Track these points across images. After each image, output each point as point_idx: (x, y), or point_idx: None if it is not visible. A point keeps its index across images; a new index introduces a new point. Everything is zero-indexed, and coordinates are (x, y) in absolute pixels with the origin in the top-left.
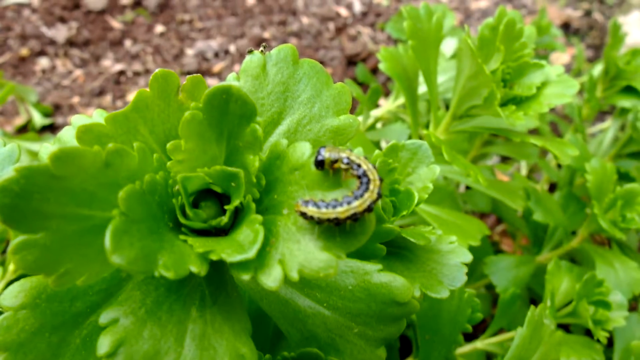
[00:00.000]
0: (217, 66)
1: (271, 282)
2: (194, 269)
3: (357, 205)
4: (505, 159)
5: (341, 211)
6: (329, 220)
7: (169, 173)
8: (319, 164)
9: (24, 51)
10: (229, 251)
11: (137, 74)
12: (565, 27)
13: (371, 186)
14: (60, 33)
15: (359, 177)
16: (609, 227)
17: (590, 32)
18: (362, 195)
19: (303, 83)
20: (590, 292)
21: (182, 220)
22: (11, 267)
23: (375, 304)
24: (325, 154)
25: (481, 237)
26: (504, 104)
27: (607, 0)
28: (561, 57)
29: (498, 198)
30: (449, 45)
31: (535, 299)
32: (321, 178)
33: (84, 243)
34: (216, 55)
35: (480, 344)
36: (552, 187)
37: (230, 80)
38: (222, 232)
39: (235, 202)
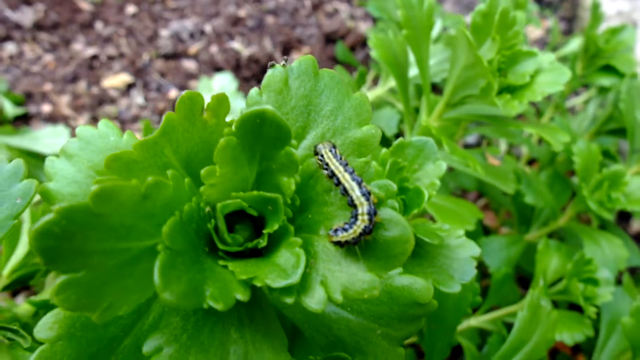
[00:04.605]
0: (193, 47)
1: (315, 304)
2: (239, 296)
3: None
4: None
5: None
6: (360, 235)
7: (201, 197)
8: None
9: None
10: (272, 277)
11: (111, 58)
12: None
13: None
14: (26, 16)
15: (349, 202)
16: (597, 208)
17: (562, 4)
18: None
19: (325, 95)
20: (580, 271)
21: (220, 245)
22: (5, 271)
23: (397, 306)
24: (318, 146)
25: (476, 222)
26: (499, 92)
27: None
28: (534, 31)
29: (490, 182)
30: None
31: (523, 276)
32: None
33: (124, 275)
34: (192, 36)
35: (475, 321)
36: (531, 161)
37: (253, 96)
38: (256, 252)
39: (274, 227)
